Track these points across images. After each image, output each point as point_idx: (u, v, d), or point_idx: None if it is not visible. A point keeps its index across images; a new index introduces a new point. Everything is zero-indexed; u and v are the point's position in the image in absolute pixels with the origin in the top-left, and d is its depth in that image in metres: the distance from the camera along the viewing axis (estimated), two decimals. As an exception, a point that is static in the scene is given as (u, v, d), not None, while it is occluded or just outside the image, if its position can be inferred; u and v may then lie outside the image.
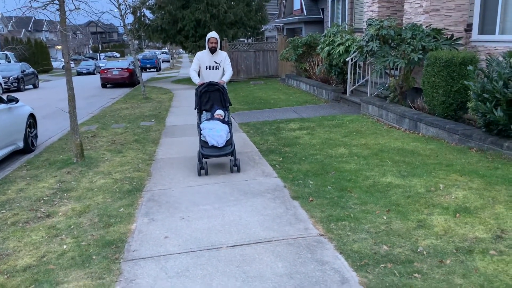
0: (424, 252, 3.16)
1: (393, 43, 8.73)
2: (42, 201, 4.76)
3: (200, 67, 6.24)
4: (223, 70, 6.26)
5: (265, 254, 3.29)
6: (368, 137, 7.12)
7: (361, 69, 11.15)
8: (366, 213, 3.94)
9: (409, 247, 3.25)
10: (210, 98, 6.01)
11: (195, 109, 6.05)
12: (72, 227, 4.00)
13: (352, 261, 3.09)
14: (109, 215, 4.23)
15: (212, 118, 5.93)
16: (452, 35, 8.37)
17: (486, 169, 4.92)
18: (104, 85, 22.26)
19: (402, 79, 8.86)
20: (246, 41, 26.07)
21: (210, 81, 5.95)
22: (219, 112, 5.95)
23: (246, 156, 6.28)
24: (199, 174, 5.48)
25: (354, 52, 10.27)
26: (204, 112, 6.08)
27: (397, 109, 8.08)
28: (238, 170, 5.55)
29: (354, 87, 11.25)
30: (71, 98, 6.10)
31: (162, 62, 50.78)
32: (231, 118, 5.89)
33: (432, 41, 8.09)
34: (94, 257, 3.37)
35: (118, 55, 68.40)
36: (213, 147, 5.51)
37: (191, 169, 5.78)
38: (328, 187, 4.72)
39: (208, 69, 6.22)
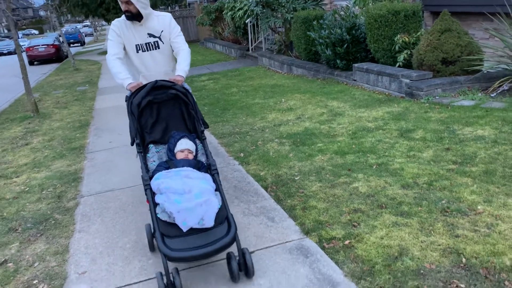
0: (256, 129, 5.75)
1: (273, 7, 11.19)
2: (18, 138, 6.82)
3: (125, 49, 3.49)
4: (171, 49, 3.56)
5: (170, 140, 5.73)
6: (256, 80, 9.65)
7: (260, 28, 13.59)
8: (234, 118, 6.47)
9: (250, 128, 5.83)
10: (160, 115, 3.24)
11: (132, 144, 3.08)
12: (47, 146, 6.17)
13: (217, 137, 5.61)
14: (70, 138, 6.43)
15: (171, 159, 3.06)
16: (318, -3, 11.00)
17: (318, 89, 7.63)
18: (31, 63, 22.98)
19: (285, 34, 11.44)
20: (166, 9, 27.49)
21: (156, 81, 3.15)
22: (184, 145, 3.08)
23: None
24: None
25: (249, 16, 12.64)
26: (152, 146, 3.22)
27: (279, 58, 10.67)
28: (250, 275, 2.57)
29: (255, 44, 13.72)
30: (23, 67, 8.01)
31: (85, 36, 50.12)
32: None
33: (302, 3, 10.65)
34: (67, 155, 5.62)
35: (36, 32, 65.66)
36: (192, 231, 2.52)
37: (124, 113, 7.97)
38: (216, 109, 7.19)
39: (140, 51, 3.50)
